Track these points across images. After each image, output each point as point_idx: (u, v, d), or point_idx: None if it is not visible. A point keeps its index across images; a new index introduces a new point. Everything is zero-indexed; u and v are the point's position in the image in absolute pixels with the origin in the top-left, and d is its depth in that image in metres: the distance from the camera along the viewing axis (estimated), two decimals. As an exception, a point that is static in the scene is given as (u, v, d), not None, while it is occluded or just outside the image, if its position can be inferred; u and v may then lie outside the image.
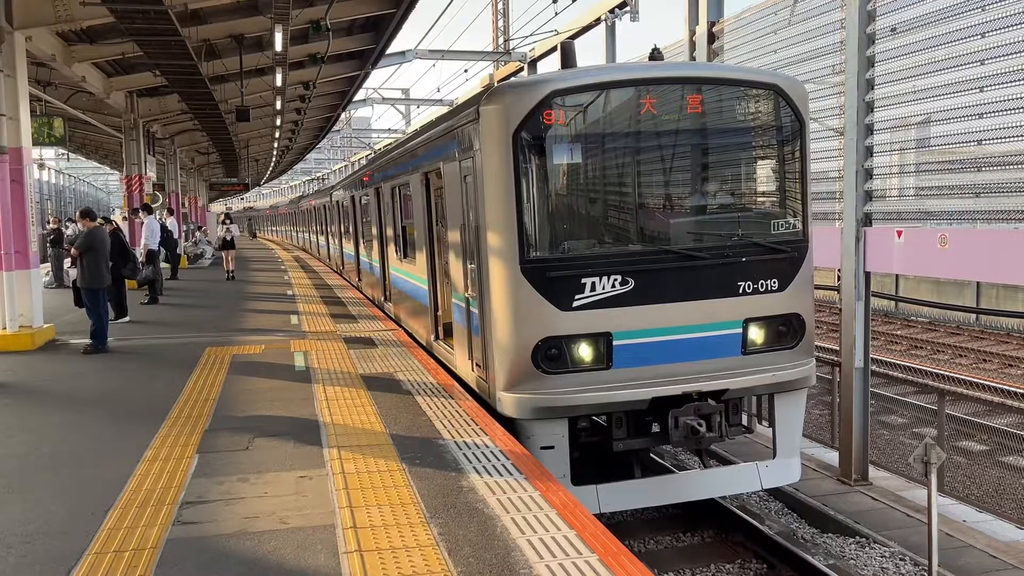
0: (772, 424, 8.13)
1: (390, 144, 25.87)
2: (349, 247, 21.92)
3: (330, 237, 28.19)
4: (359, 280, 20.25)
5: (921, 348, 19.88)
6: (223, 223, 26.99)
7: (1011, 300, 22.75)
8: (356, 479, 5.89)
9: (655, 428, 7.74)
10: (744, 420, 8.32)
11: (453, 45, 28.35)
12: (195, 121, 24.89)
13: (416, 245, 11.63)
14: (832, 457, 10.43)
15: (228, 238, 25.06)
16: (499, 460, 6.21)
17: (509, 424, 7.41)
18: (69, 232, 22.05)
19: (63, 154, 43.90)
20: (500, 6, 45.13)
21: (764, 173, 8.33)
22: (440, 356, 10.41)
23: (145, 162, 22.81)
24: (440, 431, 7.06)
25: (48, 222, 28.84)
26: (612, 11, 16.05)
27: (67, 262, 17.84)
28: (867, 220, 9.55)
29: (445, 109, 27.23)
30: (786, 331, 7.90)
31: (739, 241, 7.82)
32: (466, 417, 7.49)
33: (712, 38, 12.37)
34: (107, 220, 15.56)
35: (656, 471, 9.05)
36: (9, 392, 9.39)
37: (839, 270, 10.12)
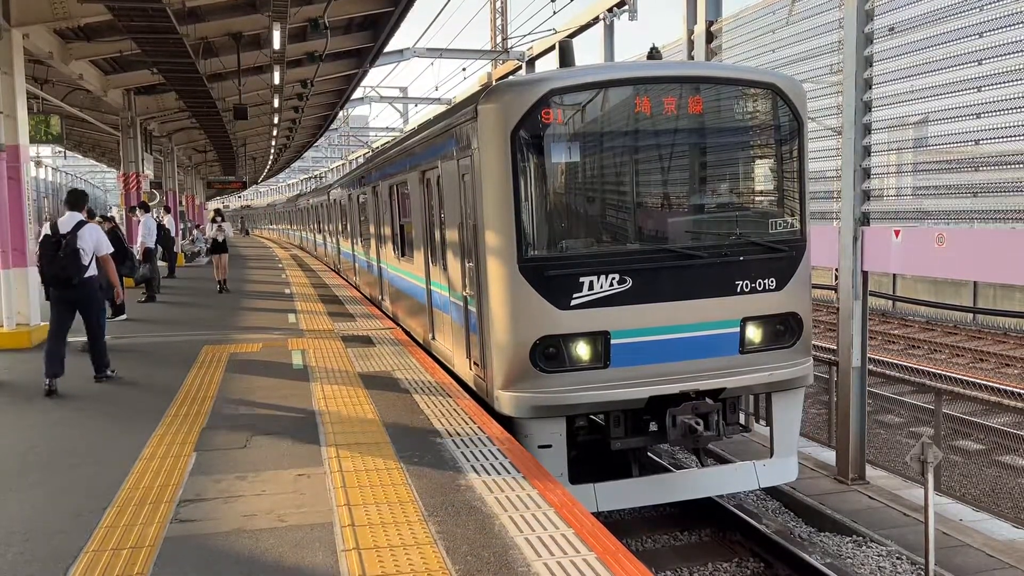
0: (769, 423, 8.14)
1: (388, 143, 25.83)
2: (347, 245, 21.90)
3: (328, 235, 28.16)
4: (357, 279, 20.23)
5: (918, 347, 19.91)
6: (213, 221, 21.76)
7: (1008, 300, 22.78)
8: (354, 477, 5.90)
9: (653, 427, 7.75)
10: (741, 419, 8.34)
11: (451, 43, 28.34)
12: (193, 119, 24.83)
13: (414, 244, 11.63)
14: (829, 456, 10.44)
15: (220, 239, 20.26)
16: (497, 459, 6.22)
17: (507, 423, 7.42)
18: (66, 230, 21.96)
19: (60, 152, 43.88)
20: (498, 5, 45.14)
21: (762, 172, 8.34)
22: (438, 355, 10.42)
23: (142, 160, 22.79)
24: (438, 429, 7.06)
25: (45, 220, 28.82)
26: (610, 10, 16.04)
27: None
28: (865, 219, 9.56)
29: (443, 108, 27.24)
30: (784, 330, 7.91)
31: (737, 240, 7.83)
32: (464, 416, 7.49)
33: (710, 37, 12.38)
34: (106, 218, 15.54)
35: (654, 470, 9.05)
36: (6, 390, 9.38)
37: (836, 269, 10.13)
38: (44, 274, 9.40)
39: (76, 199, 9.83)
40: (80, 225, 9.27)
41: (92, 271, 9.29)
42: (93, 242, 9.32)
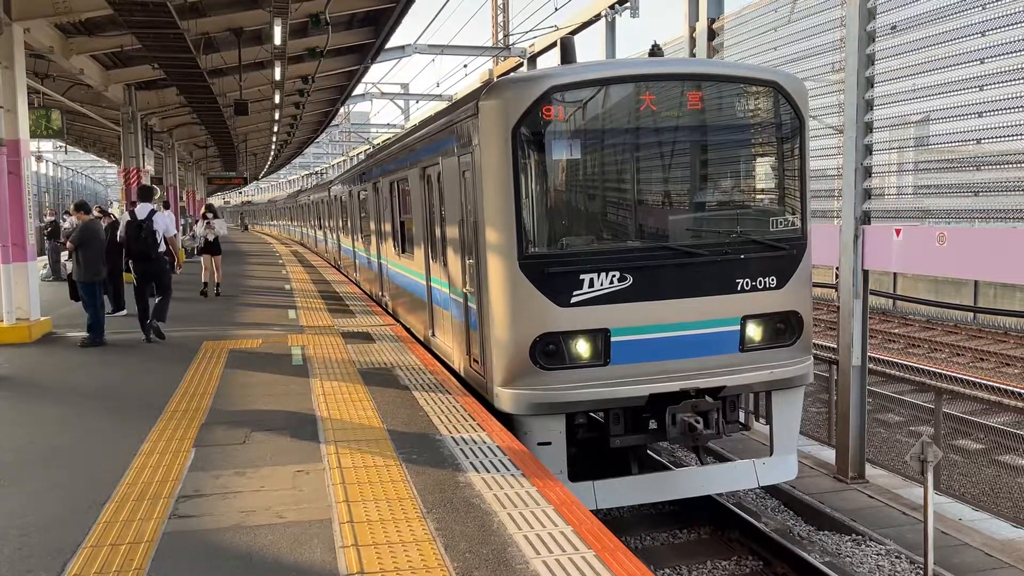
0: (769, 421, 8.13)
1: (389, 139, 25.79)
2: (347, 242, 21.89)
3: (328, 232, 28.14)
4: (357, 275, 20.23)
5: (918, 346, 19.89)
6: (203, 218, 19.02)
7: (1008, 299, 22.77)
8: (353, 474, 5.89)
9: (652, 425, 7.74)
10: (741, 417, 8.33)
11: (452, 40, 28.28)
12: (193, 115, 24.82)
13: (414, 240, 11.61)
14: (829, 455, 10.44)
15: (211, 239, 17.98)
16: (496, 456, 6.21)
17: (506, 420, 7.41)
18: (66, 225, 21.99)
19: (61, 147, 43.83)
20: (500, 1, 45.03)
21: (763, 170, 8.33)
22: (438, 351, 10.41)
23: (143, 155, 22.76)
24: (437, 426, 7.05)
25: (44, 215, 28.78)
26: (612, 7, 16.03)
27: (64, 255, 17.81)
28: (866, 218, 9.55)
29: (444, 104, 27.22)
30: (784, 328, 7.90)
31: (738, 238, 7.81)
32: (463, 413, 7.48)
33: (712, 35, 12.36)
34: (105, 212, 15.52)
35: (653, 468, 9.05)
36: (6, 385, 9.37)
37: (837, 268, 10.12)
38: (130, 251, 12.03)
39: (148, 192, 12.71)
40: (153, 213, 11.84)
41: (163, 247, 12.05)
42: (164, 226, 11.99)
